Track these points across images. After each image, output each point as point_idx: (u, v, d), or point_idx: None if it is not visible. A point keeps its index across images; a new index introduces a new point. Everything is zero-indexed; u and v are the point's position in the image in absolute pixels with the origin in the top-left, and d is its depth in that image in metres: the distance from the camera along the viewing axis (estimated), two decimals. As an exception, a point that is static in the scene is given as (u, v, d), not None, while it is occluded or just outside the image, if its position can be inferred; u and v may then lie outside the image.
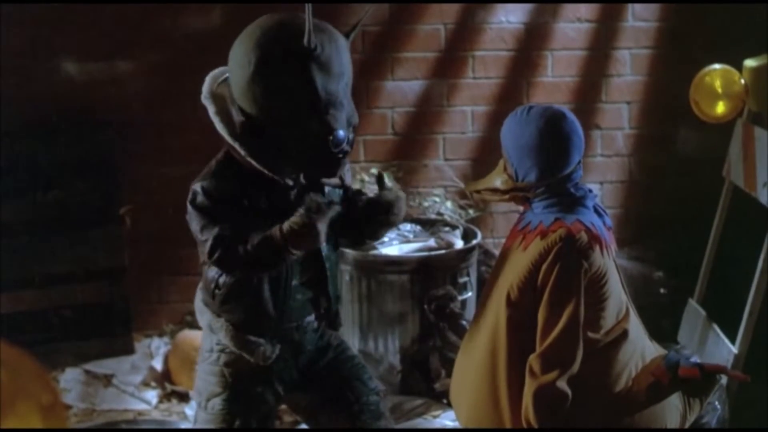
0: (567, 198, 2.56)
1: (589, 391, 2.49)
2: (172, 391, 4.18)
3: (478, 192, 2.79)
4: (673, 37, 4.79)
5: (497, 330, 2.53)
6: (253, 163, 2.50)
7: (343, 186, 2.68)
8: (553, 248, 2.46)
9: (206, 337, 2.73)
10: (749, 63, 3.84)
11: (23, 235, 4.29)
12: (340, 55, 2.50)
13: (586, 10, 4.74)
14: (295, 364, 2.73)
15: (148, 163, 4.57)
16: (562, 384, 2.44)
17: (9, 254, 4.23)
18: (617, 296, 2.57)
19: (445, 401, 3.91)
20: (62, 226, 4.34)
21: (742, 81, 3.83)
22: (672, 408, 2.59)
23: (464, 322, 4.02)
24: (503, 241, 2.88)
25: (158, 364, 4.31)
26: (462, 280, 4.11)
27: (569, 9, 4.73)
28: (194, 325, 4.58)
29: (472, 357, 2.63)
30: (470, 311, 4.10)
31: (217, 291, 2.63)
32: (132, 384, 4.23)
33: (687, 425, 2.65)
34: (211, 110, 2.56)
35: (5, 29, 4.33)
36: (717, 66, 3.87)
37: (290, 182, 2.56)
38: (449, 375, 3.88)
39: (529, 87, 4.78)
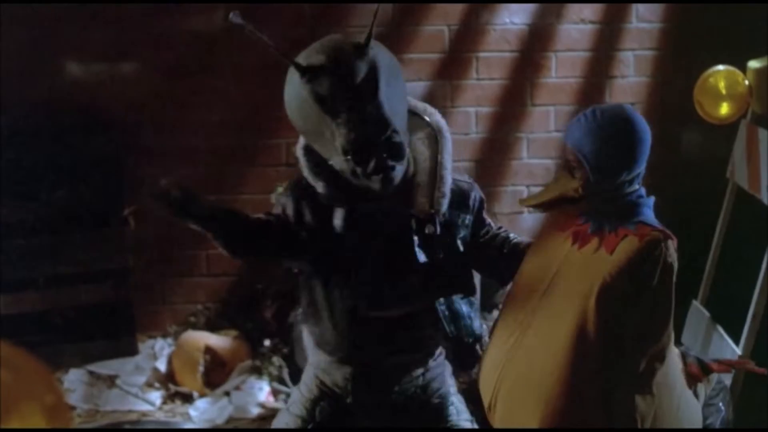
0: (638, 199, 2.58)
1: (663, 392, 2.56)
2: (176, 392, 4.18)
3: (540, 205, 2.73)
4: (676, 39, 4.78)
5: (583, 332, 2.51)
6: (304, 173, 2.55)
7: (432, 217, 2.53)
8: (653, 250, 2.50)
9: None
10: (753, 64, 3.84)
11: (27, 236, 4.29)
12: (353, 67, 2.36)
13: (589, 12, 4.74)
14: (377, 404, 2.68)
15: (152, 164, 4.57)
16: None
17: (13, 255, 4.23)
18: None
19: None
20: (66, 227, 4.34)
21: (746, 82, 3.82)
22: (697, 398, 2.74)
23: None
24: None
25: (162, 365, 4.31)
26: (465, 281, 4.09)
27: (573, 10, 4.73)
28: (197, 327, 4.58)
29: (538, 364, 2.57)
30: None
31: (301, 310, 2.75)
32: (136, 385, 4.23)
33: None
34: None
35: (6, 29, 4.33)
36: (721, 67, 3.86)
37: (331, 201, 2.53)
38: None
39: (532, 88, 4.77)
